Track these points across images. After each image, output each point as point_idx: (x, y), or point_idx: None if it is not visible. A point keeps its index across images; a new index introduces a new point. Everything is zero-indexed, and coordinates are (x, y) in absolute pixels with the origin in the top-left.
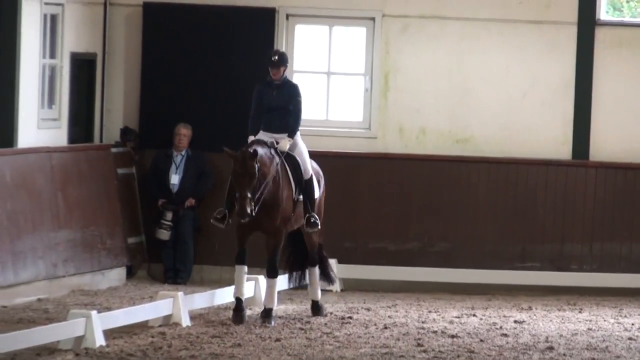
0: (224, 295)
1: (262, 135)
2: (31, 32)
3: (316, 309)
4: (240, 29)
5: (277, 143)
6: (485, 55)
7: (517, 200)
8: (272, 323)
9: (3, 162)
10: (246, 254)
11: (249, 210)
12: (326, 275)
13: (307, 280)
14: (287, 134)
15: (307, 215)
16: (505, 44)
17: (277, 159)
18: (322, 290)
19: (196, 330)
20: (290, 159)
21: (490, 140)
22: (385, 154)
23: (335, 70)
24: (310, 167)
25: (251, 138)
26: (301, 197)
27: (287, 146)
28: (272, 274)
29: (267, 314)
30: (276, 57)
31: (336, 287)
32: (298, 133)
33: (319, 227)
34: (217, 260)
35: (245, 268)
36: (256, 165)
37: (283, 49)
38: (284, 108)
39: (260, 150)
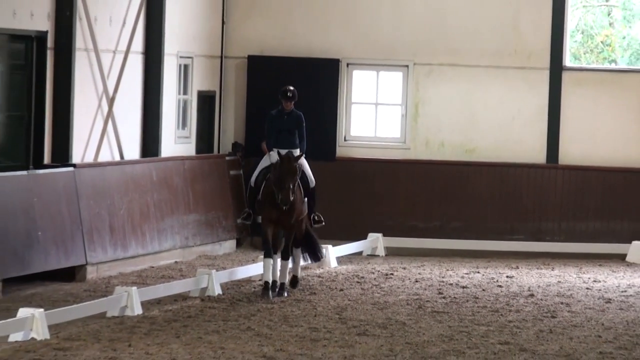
0: (305, 259)
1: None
2: (171, 77)
3: (294, 282)
4: (315, 74)
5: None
6: (486, 91)
7: (508, 192)
8: (286, 294)
9: (151, 167)
10: (271, 250)
11: (291, 199)
12: (313, 253)
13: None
14: (298, 150)
15: (312, 214)
16: (500, 83)
17: None
18: (368, 255)
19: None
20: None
21: (489, 150)
22: (416, 160)
23: (381, 102)
24: (312, 177)
25: (274, 154)
26: (306, 199)
27: (302, 159)
28: (286, 257)
29: (282, 287)
30: (290, 94)
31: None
32: None
33: (323, 223)
34: None
35: (271, 260)
36: (298, 166)
37: (344, 88)
38: (291, 131)
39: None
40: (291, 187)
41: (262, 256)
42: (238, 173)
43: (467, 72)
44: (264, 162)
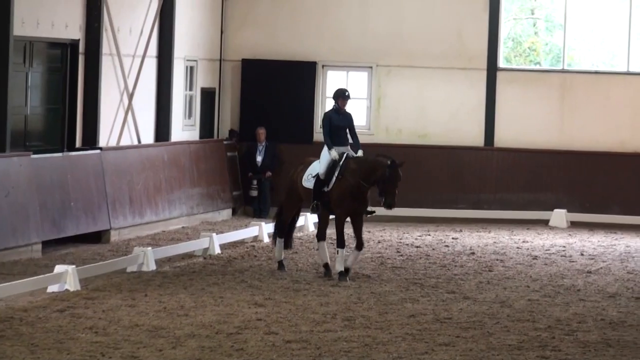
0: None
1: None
2: (179, 76)
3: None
4: (296, 73)
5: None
6: (435, 88)
7: (453, 169)
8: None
9: (163, 150)
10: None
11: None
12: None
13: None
14: (358, 149)
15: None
16: (446, 81)
17: None
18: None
19: (272, 244)
20: None
21: (438, 136)
22: (379, 144)
23: (351, 96)
24: None
25: (333, 152)
26: None
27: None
28: (361, 248)
29: (347, 272)
30: (348, 94)
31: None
32: None
33: (375, 212)
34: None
35: (325, 249)
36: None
37: (320, 85)
38: (344, 128)
39: None
40: (397, 192)
41: (339, 248)
42: (233, 155)
43: (419, 72)
44: (325, 158)
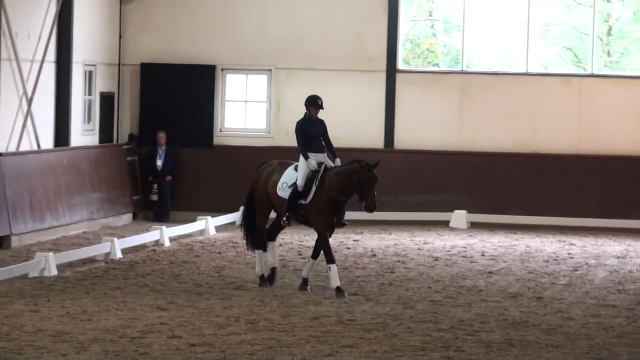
0: (189, 229)
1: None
2: (78, 81)
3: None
4: (195, 77)
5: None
6: (335, 90)
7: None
8: (306, 290)
9: (63, 155)
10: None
11: (377, 204)
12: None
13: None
14: (335, 157)
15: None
16: (347, 83)
17: None
18: (240, 224)
19: (174, 248)
20: None
21: (338, 138)
22: (279, 147)
23: (250, 100)
24: None
25: (313, 162)
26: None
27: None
28: (317, 258)
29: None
30: (320, 102)
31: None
32: None
33: (347, 224)
34: (183, 208)
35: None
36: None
37: (220, 89)
38: (318, 136)
39: None
40: (375, 193)
41: (330, 264)
42: (134, 159)
43: (319, 75)
44: (303, 168)
